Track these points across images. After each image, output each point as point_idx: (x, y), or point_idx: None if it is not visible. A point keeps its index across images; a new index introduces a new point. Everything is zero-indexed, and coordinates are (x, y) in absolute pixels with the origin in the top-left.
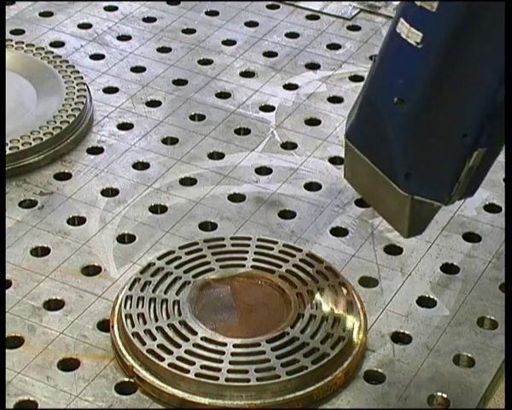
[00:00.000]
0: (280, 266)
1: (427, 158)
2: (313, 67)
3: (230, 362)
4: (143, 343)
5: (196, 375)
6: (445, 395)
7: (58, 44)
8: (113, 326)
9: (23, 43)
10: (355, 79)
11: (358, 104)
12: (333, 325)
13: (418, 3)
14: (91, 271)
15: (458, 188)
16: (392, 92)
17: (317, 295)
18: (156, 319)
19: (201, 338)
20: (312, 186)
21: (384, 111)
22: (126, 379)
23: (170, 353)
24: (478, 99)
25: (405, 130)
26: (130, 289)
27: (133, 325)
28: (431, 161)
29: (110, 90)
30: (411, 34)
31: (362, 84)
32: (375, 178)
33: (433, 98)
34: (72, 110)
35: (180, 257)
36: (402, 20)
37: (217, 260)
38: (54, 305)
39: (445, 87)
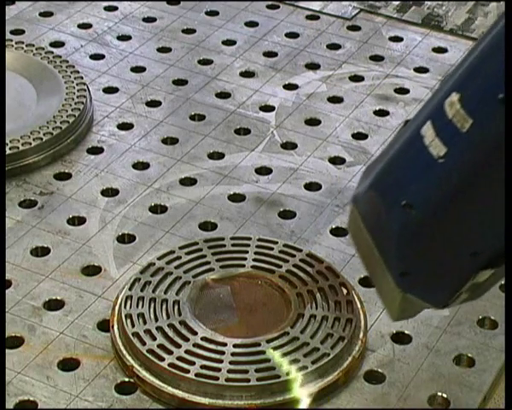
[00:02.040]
0: (280, 266)
1: (428, 265)
2: (313, 67)
3: (230, 362)
4: (143, 343)
5: (196, 375)
6: (445, 395)
7: (58, 44)
8: (113, 326)
9: (23, 43)
10: (355, 79)
11: (368, 185)
12: (333, 325)
13: (449, 116)
14: (91, 271)
15: (458, 298)
16: (401, 194)
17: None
18: (156, 319)
19: (201, 338)
20: (312, 186)
21: (390, 208)
22: (126, 379)
23: (170, 353)
24: (493, 221)
25: (409, 233)
26: (130, 289)
27: (133, 325)
28: (431, 268)
29: (110, 90)
30: (435, 144)
31: (362, 84)
32: (372, 255)
33: (444, 212)
34: (72, 110)
35: (180, 257)
36: (429, 123)
37: (217, 260)
38: (54, 305)
39: (458, 205)
